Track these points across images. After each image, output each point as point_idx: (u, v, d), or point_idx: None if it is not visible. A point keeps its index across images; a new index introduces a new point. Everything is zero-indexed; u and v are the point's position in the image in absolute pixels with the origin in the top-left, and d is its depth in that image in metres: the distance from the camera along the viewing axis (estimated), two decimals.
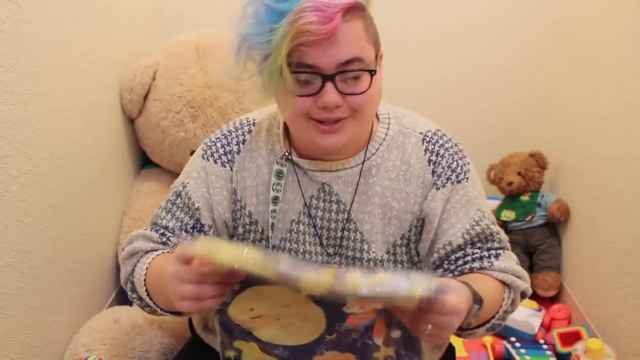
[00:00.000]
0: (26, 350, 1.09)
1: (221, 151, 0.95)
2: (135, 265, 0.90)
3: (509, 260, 0.92)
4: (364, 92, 0.79)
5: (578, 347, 1.44)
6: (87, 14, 1.37)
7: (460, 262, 0.90)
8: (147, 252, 0.91)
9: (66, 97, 1.25)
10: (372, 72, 0.80)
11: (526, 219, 1.89)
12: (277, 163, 0.92)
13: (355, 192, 0.91)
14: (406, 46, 1.98)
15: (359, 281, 0.61)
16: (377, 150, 0.91)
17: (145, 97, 1.63)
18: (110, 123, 1.56)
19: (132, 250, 0.91)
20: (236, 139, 0.95)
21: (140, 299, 0.90)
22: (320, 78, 0.77)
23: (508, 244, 0.95)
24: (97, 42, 1.44)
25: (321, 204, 0.92)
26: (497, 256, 0.90)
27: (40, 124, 1.13)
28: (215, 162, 0.94)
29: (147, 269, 0.87)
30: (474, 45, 2.00)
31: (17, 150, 1.04)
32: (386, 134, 0.92)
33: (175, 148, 1.64)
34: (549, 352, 1.54)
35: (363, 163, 0.91)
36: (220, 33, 1.67)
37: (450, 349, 1.05)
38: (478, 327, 0.88)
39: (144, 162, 1.81)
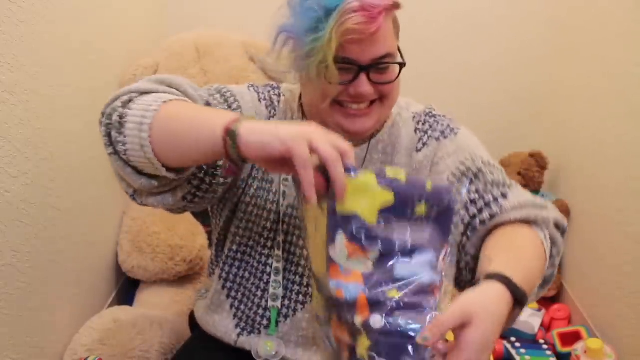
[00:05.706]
0: (26, 350, 1.09)
1: (267, 95, 0.94)
2: (136, 99, 0.75)
3: (520, 194, 0.84)
4: (392, 81, 0.85)
5: (578, 347, 1.44)
6: (87, 14, 1.37)
7: (466, 220, 0.83)
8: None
9: (66, 97, 1.25)
10: (402, 65, 0.86)
11: None
12: None
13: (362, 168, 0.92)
14: (404, 46, 1.97)
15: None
16: (382, 128, 0.94)
17: None
18: None
19: (138, 89, 0.77)
20: (276, 97, 0.95)
21: (124, 142, 0.74)
22: (356, 68, 0.82)
23: (512, 181, 0.87)
24: (97, 42, 1.44)
25: None
26: (504, 195, 0.83)
27: (40, 124, 1.13)
28: (260, 101, 0.93)
29: (164, 102, 0.73)
30: (474, 44, 2.00)
31: (17, 150, 1.04)
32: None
33: None
34: (549, 352, 1.54)
35: (370, 141, 0.93)
36: (220, 33, 1.67)
37: None
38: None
39: None
